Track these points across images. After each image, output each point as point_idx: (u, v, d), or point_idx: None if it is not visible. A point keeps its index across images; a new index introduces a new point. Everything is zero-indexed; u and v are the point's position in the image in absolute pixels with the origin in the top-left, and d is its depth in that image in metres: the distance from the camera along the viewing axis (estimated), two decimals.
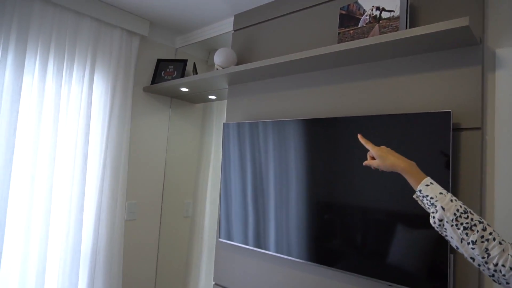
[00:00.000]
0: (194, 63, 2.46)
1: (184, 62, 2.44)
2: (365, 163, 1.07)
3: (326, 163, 1.58)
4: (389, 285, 1.39)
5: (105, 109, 2.14)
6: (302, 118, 1.69)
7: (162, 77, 2.43)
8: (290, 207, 1.69)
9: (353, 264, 1.47)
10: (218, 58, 2.00)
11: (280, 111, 1.88)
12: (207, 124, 2.80)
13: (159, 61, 2.49)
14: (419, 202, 0.96)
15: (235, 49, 2.16)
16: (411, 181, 0.96)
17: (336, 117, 1.56)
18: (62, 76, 1.96)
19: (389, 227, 1.39)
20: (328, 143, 1.58)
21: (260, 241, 1.80)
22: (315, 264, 1.58)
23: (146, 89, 2.44)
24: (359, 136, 1.10)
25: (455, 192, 1.28)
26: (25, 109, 1.83)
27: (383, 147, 1.05)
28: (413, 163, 0.99)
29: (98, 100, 2.14)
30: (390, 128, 1.39)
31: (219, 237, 1.99)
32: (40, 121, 1.88)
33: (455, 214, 0.84)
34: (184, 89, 2.34)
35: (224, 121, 2.75)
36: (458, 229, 0.83)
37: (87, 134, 2.03)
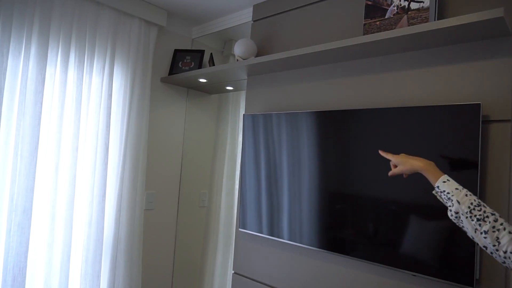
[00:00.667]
0: (211, 54, 2.46)
1: (201, 52, 2.44)
2: (390, 173, 1.17)
3: (341, 154, 1.60)
4: (414, 275, 1.41)
5: (124, 99, 2.16)
6: (317, 110, 1.69)
7: (180, 68, 2.43)
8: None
9: (373, 253, 1.49)
10: (239, 49, 2.00)
11: (301, 103, 1.88)
12: (222, 114, 2.81)
13: (176, 51, 2.49)
14: (438, 197, 1.05)
15: (254, 39, 2.16)
16: (430, 178, 1.05)
17: (356, 109, 1.56)
18: (83, 67, 1.97)
19: (407, 218, 1.40)
20: (350, 135, 1.59)
21: (277, 231, 1.82)
22: (332, 252, 1.61)
23: (163, 80, 2.44)
24: (380, 151, 1.22)
25: (483, 185, 1.29)
26: (48, 100, 1.85)
27: (402, 154, 1.15)
28: (431, 162, 1.08)
29: (118, 91, 2.15)
30: (416, 121, 1.39)
31: (239, 227, 2.02)
32: (63, 112, 1.89)
33: (469, 207, 0.93)
34: (203, 80, 2.34)
35: (241, 112, 2.77)
36: (472, 220, 0.92)
37: (108, 125, 2.05)
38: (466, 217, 0.93)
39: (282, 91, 1.97)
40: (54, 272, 1.85)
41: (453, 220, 0.98)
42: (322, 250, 1.65)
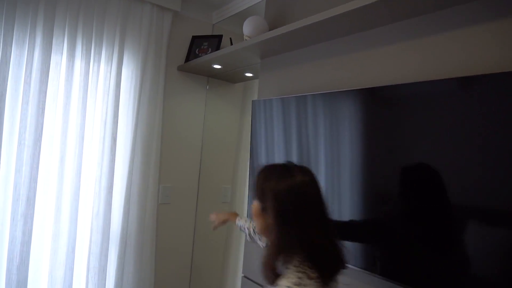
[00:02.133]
0: (231, 38, 2.27)
1: (219, 37, 2.27)
2: (212, 227, 1.52)
3: (392, 143, 1.27)
4: None
5: (134, 88, 2.07)
6: (352, 89, 1.34)
7: (196, 55, 2.30)
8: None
9: (431, 275, 1.13)
10: (247, 28, 1.79)
11: (321, 84, 1.61)
12: (247, 105, 2.61)
13: (194, 38, 2.36)
14: (241, 230, 1.44)
15: (268, 17, 1.93)
16: (232, 221, 1.47)
17: (408, 83, 1.17)
18: (90, 54, 1.92)
19: (476, 228, 1.03)
20: (387, 119, 1.24)
21: None
22: (376, 275, 1.23)
23: (180, 68, 2.33)
24: (210, 215, 1.53)
25: None
26: (54, 89, 1.82)
27: (216, 213, 1.52)
28: (232, 213, 1.50)
29: (127, 80, 2.07)
30: (490, 93, 0.99)
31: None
32: (70, 101, 1.86)
33: (246, 222, 1.41)
34: (217, 66, 2.18)
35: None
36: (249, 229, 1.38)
37: (116, 114, 1.98)
38: (250, 232, 1.37)
39: (299, 72, 1.71)
40: (59, 264, 1.83)
41: (250, 240, 1.39)
42: (357, 268, 1.28)
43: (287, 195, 0.87)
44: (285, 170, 0.93)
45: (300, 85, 1.69)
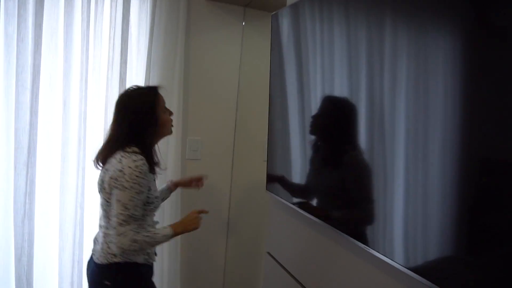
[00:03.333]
0: None
1: None
2: None
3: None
4: None
5: (146, 22, 1.74)
6: None
7: None
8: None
9: None
10: None
11: None
12: None
13: None
14: None
15: None
16: None
17: None
18: None
19: None
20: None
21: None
22: None
23: None
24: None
25: None
26: (52, 22, 1.60)
27: None
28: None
29: (139, 11, 1.75)
30: None
31: (267, 188, 1.39)
32: (71, 36, 1.63)
33: None
34: None
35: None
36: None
37: (124, 53, 1.69)
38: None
39: None
40: (69, 219, 1.68)
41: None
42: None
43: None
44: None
45: None
